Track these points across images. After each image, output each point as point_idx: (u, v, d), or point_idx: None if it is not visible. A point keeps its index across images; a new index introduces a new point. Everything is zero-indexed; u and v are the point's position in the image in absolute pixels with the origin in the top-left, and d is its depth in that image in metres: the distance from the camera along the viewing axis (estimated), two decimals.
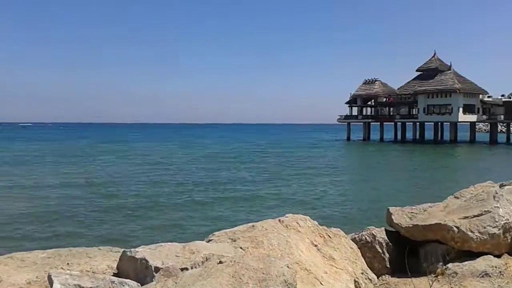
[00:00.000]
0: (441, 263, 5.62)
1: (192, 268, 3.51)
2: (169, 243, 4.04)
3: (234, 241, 4.46)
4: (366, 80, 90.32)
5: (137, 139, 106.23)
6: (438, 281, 5.18)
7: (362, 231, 6.27)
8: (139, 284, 3.43)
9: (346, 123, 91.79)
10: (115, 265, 3.93)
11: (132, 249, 3.77)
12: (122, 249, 4.04)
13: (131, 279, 3.52)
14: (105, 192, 25.89)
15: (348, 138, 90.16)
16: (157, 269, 3.45)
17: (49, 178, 32.07)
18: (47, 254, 4.21)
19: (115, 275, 3.72)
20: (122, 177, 33.40)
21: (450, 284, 5.09)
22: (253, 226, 4.78)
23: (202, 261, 3.66)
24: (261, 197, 24.79)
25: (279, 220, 5.06)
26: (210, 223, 17.79)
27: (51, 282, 3.28)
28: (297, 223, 5.10)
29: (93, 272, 3.71)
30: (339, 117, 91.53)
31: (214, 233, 4.82)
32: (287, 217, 5.21)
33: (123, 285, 3.36)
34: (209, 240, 4.62)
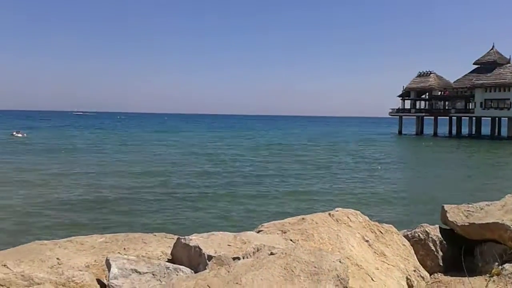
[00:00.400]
0: (497, 263, 5.44)
1: (243, 258, 3.55)
2: (221, 232, 4.09)
3: (284, 233, 4.46)
4: (421, 73, 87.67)
5: (184, 129, 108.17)
6: (494, 281, 5.03)
7: (415, 228, 6.14)
8: (192, 271, 3.51)
9: (398, 116, 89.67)
10: (169, 252, 4.02)
11: (186, 237, 3.85)
12: (176, 236, 4.13)
13: (184, 266, 3.60)
14: (157, 182, 26.57)
15: (400, 132, 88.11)
16: (210, 257, 3.51)
17: (105, 166, 33.27)
18: (104, 239, 4.34)
19: (169, 261, 3.82)
20: (172, 166, 34.15)
21: (506, 285, 4.92)
22: (303, 218, 4.77)
23: (253, 252, 3.70)
24: (310, 191, 24.70)
25: (329, 214, 5.01)
26: (258, 215, 17.94)
27: (109, 266, 3.41)
28: (348, 217, 5.05)
29: (148, 258, 3.82)
30: (391, 110, 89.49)
31: (263, 224, 4.83)
32: (337, 211, 5.15)
33: (178, 271, 3.45)
34: (259, 231, 4.64)
